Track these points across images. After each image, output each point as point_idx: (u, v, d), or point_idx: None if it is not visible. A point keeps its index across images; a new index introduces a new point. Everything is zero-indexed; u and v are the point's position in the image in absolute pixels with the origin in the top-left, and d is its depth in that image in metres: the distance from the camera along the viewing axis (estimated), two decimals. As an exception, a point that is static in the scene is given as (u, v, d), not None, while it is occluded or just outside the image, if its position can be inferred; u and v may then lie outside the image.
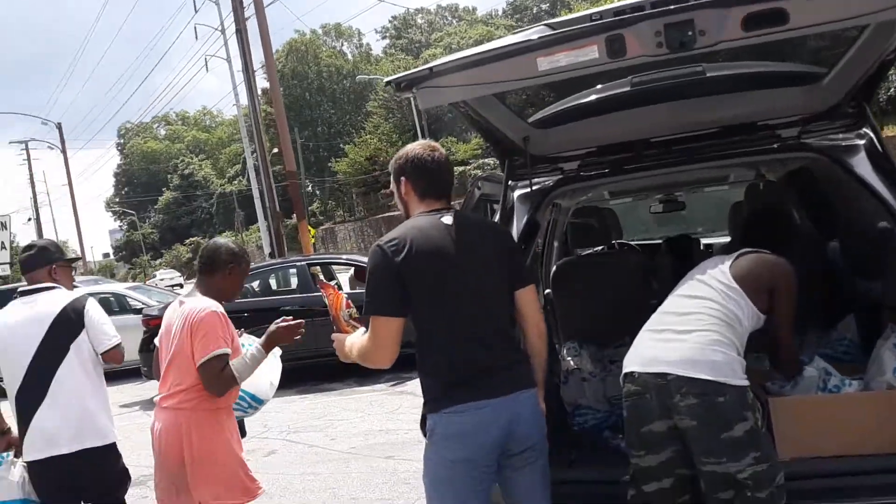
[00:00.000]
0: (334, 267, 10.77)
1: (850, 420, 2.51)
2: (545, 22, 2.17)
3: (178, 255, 67.45)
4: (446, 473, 2.23)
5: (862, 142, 2.90)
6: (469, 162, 35.02)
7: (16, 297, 3.38)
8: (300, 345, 8.71)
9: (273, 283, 10.47)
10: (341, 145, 49.37)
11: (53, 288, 3.34)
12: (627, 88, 2.91)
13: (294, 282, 10.21)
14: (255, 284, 9.99)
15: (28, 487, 3.23)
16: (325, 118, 58.54)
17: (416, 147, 2.39)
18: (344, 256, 11.75)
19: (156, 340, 3.20)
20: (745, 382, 2.30)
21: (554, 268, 3.96)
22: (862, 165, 2.78)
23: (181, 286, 29.44)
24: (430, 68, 2.11)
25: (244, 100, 27.28)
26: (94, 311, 3.33)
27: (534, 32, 2.07)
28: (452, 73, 2.13)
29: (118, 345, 3.33)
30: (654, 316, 2.52)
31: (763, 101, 3.05)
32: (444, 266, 2.23)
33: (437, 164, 2.35)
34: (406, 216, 2.38)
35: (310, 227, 20.38)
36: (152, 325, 9.33)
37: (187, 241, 67.32)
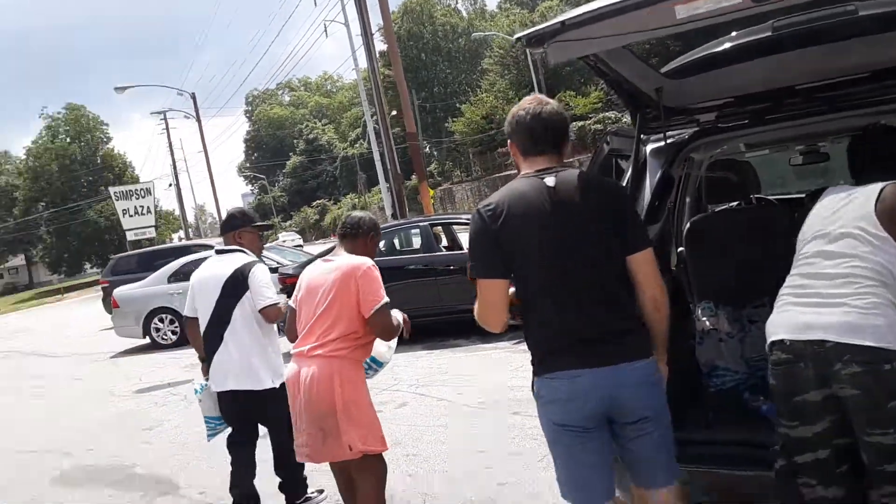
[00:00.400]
0: (455, 227, 10.94)
1: None
2: None
3: (306, 217, 70.43)
4: (552, 435, 2.27)
5: None
6: (589, 116, 34.18)
7: (213, 255, 4.12)
8: (425, 302, 9.00)
9: (397, 242, 10.77)
10: (457, 105, 49.41)
11: (237, 251, 3.97)
12: (769, 33, 2.78)
13: (417, 242, 10.46)
14: (381, 244, 10.33)
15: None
16: (441, 78, 58.64)
17: (519, 105, 2.35)
18: (464, 216, 11.89)
19: (290, 301, 3.49)
20: None
21: (687, 224, 3.85)
22: None
23: (301, 247, 31.15)
24: (562, 22, 2.09)
25: (362, 63, 27.99)
26: (257, 273, 3.90)
27: None
28: (585, 26, 2.10)
29: (273, 304, 3.83)
30: (795, 278, 2.33)
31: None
32: (540, 231, 2.20)
33: (535, 120, 2.28)
34: None
35: (429, 188, 20.71)
36: (288, 283, 9.89)
37: (314, 203, 70.11)
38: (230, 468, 4.13)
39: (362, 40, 19.68)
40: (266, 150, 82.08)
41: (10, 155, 74.30)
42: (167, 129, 45.50)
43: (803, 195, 3.21)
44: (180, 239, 52.98)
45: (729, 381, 3.22)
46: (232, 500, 4.11)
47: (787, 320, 2.25)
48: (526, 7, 55.19)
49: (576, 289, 2.20)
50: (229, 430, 4.14)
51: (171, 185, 47.39)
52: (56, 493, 5.31)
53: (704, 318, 3.55)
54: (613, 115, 32.69)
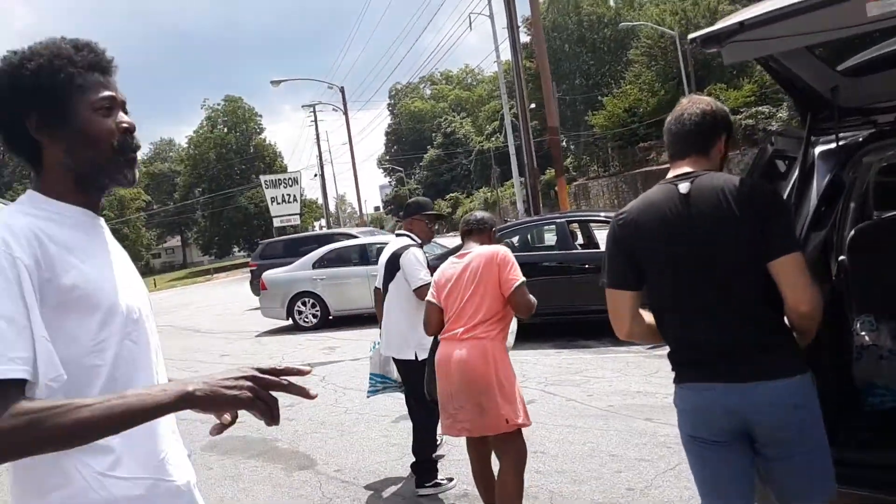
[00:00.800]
0: (592, 224, 10.72)
1: None
2: None
3: (439, 209, 71.60)
4: (686, 445, 2.24)
5: None
6: (740, 110, 32.42)
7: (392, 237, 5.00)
8: (558, 300, 8.92)
9: (531, 239, 10.71)
10: (599, 97, 48.42)
11: (405, 235, 4.62)
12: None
13: (552, 238, 10.35)
14: (515, 240, 10.32)
15: (387, 367, 4.73)
16: (584, 69, 57.66)
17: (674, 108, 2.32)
18: (602, 214, 11.65)
19: (427, 297, 3.82)
20: None
21: (852, 232, 3.57)
22: None
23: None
24: (741, 22, 1.98)
25: (504, 56, 28.01)
26: (409, 257, 4.41)
27: None
28: (766, 26, 1.99)
29: (424, 285, 4.24)
30: None
31: None
32: (668, 242, 2.13)
33: (679, 123, 2.24)
34: None
35: (565, 184, 20.44)
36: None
37: (447, 196, 71.21)
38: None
39: (507, 32, 19.69)
40: (405, 143, 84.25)
41: (174, 143, 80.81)
42: (315, 121, 47.66)
43: None
44: (321, 227, 55.56)
45: (888, 402, 2.97)
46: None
47: None
48: (677, -4, 53.15)
49: (705, 302, 2.11)
50: (390, 391, 4.84)
51: (315, 175, 49.64)
52: (206, 458, 5.72)
53: (864, 333, 3.30)
54: (767, 110, 30.88)
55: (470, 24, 31.63)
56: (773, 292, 2.06)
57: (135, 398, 1.20)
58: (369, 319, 12.48)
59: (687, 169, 2.21)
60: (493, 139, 62.42)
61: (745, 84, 34.13)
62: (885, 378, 3.11)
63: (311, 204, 61.05)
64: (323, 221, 54.19)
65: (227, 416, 1.42)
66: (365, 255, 13.11)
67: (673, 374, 2.25)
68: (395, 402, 6.29)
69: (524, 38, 36.10)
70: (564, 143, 51.22)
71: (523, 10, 22.49)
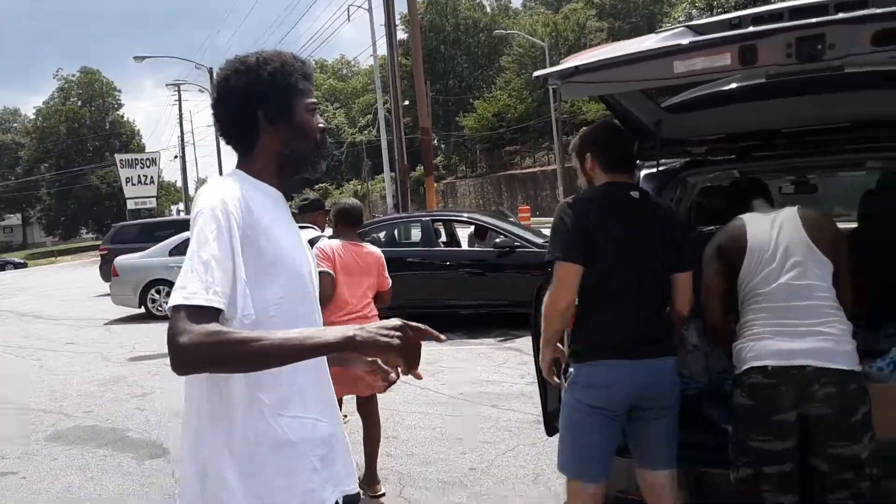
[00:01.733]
0: (455, 224, 11.15)
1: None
2: (687, 24, 2.34)
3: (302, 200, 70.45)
4: (581, 416, 2.56)
5: None
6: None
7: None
8: (419, 295, 9.22)
9: (397, 234, 10.97)
10: (471, 100, 49.59)
11: (308, 227, 4.96)
12: (762, 80, 3.01)
13: (417, 235, 10.69)
14: (382, 235, 10.56)
15: None
16: (458, 72, 58.75)
17: (598, 125, 2.75)
18: (465, 214, 12.14)
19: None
20: (860, 368, 2.46)
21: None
22: None
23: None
24: (577, 66, 2.33)
25: (381, 51, 28.18)
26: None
27: (674, 37, 2.26)
28: (595, 72, 2.36)
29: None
30: (768, 308, 2.55)
31: (898, 100, 3.07)
32: (624, 235, 2.52)
33: (622, 142, 2.68)
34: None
35: (433, 182, 20.94)
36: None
37: (317, 186, 70.18)
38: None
39: (385, 28, 19.87)
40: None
41: (20, 113, 74.21)
42: (179, 100, 45.61)
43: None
44: (178, 212, 53.15)
45: (691, 389, 3.45)
46: None
47: (771, 348, 2.50)
48: (551, 7, 55.34)
49: (637, 293, 2.54)
50: None
51: (176, 156, 47.57)
52: (51, 448, 5.54)
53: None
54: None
55: (349, 16, 31.58)
56: (668, 293, 2.64)
57: (307, 335, 1.45)
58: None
59: (627, 181, 2.65)
60: (365, 132, 62.24)
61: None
62: (690, 369, 3.63)
63: (170, 187, 58.32)
64: (182, 206, 51.91)
65: (394, 375, 1.67)
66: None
67: (575, 355, 2.59)
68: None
69: (401, 35, 36.39)
70: (435, 142, 52.03)
71: (402, 7, 22.77)
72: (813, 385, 2.40)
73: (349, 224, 4.25)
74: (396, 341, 1.45)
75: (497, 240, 9.32)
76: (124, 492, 4.56)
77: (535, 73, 2.43)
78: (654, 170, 3.32)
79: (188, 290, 1.42)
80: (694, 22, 2.39)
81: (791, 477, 2.48)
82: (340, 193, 65.99)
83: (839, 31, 2.03)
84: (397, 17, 24.27)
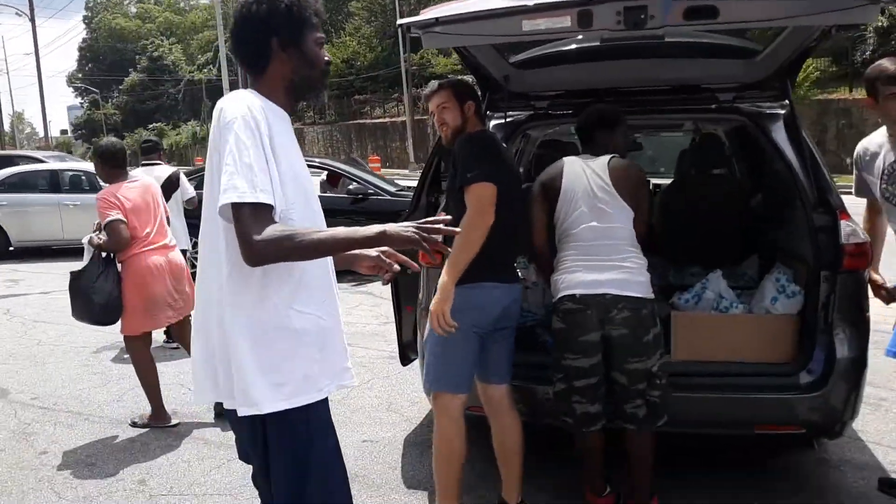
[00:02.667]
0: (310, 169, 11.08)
1: (732, 334, 3.19)
2: None
3: (140, 140, 65.94)
4: (458, 336, 2.76)
5: (782, 111, 3.46)
6: (447, 76, 34.83)
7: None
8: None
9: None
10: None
11: (157, 164, 6.34)
12: (598, 43, 3.40)
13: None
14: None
15: None
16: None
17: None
18: (317, 160, 12.07)
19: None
20: (653, 296, 2.94)
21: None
22: (778, 132, 3.35)
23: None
24: (437, 18, 2.56)
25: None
26: (182, 175, 6.39)
27: None
28: (453, 24, 2.59)
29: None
30: (578, 245, 2.95)
31: (708, 68, 3.59)
32: (511, 172, 2.90)
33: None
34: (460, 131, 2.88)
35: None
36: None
37: (150, 125, 65.81)
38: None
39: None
40: (103, 62, 75.41)
41: None
42: (-11, 22, 40.71)
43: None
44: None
45: (530, 320, 3.89)
46: None
47: (579, 279, 2.92)
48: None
49: (516, 223, 2.90)
50: None
51: (-13, 85, 42.62)
52: None
53: (518, 270, 4.23)
54: (471, 79, 33.53)
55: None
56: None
57: (350, 230, 1.74)
58: (58, 252, 11.57)
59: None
60: (205, 70, 58.99)
61: (452, 52, 36.67)
62: (529, 303, 4.06)
63: (-21, 119, 52.24)
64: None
65: (396, 267, 2.09)
66: (56, 182, 12.02)
67: (465, 276, 2.69)
68: (95, 333, 6.19)
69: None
70: (281, 86, 50.21)
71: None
72: (612, 310, 2.84)
73: (117, 165, 4.34)
74: (418, 235, 1.73)
75: (350, 186, 9.43)
76: (-38, 433, 4.39)
77: (399, 21, 2.62)
78: (502, 120, 3.63)
79: (240, 189, 1.67)
80: (541, -15, 2.69)
81: (597, 389, 2.94)
82: (177, 134, 62.39)
83: (657, 4, 2.40)
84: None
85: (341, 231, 1.74)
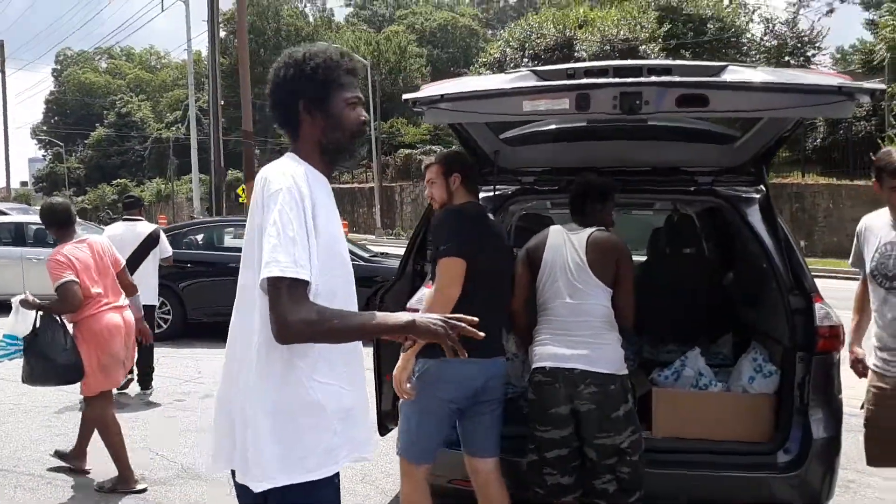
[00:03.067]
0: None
1: (711, 412, 3.25)
2: (532, 69, 2.77)
3: (103, 195, 65.12)
4: (434, 408, 2.85)
5: (758, 196, 3.62)
6: (417, 146, 35.48)
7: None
8: (224, 302, 8.99)
9: (216, 238, 10.65)
10: (289, 109, 48.72)
11: (137, 220, 6.69)
12: (584, 124, 3.55)
13: (240, 240, 10.42)
14: (200, 237, 10.27)
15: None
16: (277, 79, 57.52)
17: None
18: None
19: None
20: (626, 372, 2.98)
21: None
22: (754, 215, 3.49)
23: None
24: (442, 95, 2.67)
25: (196, 46, 26.99)
26: (162, 233, 6.36)
27: (522, 78, 2.67)
28: (457, 101, 2.70)
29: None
30: (552, 320, 3.02)
31: (688, 152, 3.76)
32: (492, 247, 2.95)
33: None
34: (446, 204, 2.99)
35: (244, 187, 20.41)
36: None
37: (114, 181, 65.11)
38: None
39: (207, 24, 19.20)
40: (70, 115, 75.06)
41: None
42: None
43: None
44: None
45: (510, 391, 3.89)
46: None
47: (550, 352, 2.98)
48: (373, 26, 56.08)
49: (502, 295, 2.98)
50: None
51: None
52: None
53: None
54: (439, 149, 34.08)
55: (162, 6, 30.01)
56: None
57: (381, 318, 1.75)
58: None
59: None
60: (173, 129, 58.98)
61: (422, 123, 37.44)
62: (510, 375, 4.07)
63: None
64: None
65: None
66: (20, 235, 11.77)
67: (427, 350, 2.71)
68: (56, 393, 5.99)
69: (220, 32, 35.05)
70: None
71: (224, 3, 22.11)
72: (579, 384, 2.89)
73: (62, 225, 4.32)
74: (443, 330, 1.74)
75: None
76: None
77: (405, 96, 2.71)
78: (491, 193, 3.72)
79: (283, 263, 1.66)
80: (539, 68, 2.82)
81: (568, 461, 2.97)
82: (141, 191, 61.72)
83: (652, 91, 2.53)
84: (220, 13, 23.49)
85: (372, 319, 1.75)
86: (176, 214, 43.93)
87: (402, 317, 1.76)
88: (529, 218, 5.03)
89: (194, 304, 9.21)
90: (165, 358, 8.14)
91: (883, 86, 2.61)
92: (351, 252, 9.24)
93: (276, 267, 1.65)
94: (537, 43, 28.82)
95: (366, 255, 9.62)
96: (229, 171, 35.06)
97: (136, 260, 6.06)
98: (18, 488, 4.29)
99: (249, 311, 1.81)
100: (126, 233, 6.33)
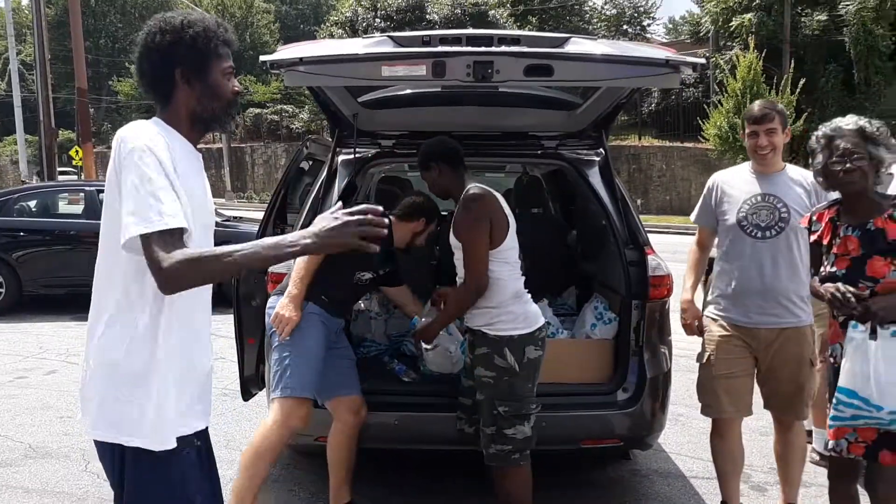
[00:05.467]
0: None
1: (559, 358, 3.52)
2: (390, 34, 2.83)
3: None
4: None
5: (598, 158, 3.92)
6: (267, 105, 34.30)
7: None
8: (77, 272, 8.53)
9: (51, 205, 9.86)
10: (126, 63, 45.49)
11: None
12: (439, 89, 3.67)
13: (72, 207, 9.65)
14: (33, 204, 9.51)
15: None
16: (111, 31, 53.24)
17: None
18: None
19: None
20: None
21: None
22: (594, 176, 3.78)
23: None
24: (301, 58, 2.67)
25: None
26: None
27: (380, 44, 2.73)
28: (316, 65, 2.72)
29: None
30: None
31: (535, 118, 3.99)
32: None
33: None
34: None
35: (78, 149, 19.01)
36: None
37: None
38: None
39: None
40: None
41: None
42: None
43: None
44: None
45: (373, 350, 4.03)
46: None
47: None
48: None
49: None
50: None
51: None
52: None
53: (360, 301, 4.36)
54: (290, 109, 33.22)
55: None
56: None
57: (275, 242, 1.67)
58: None
59: None
60: (-9, 85, 53.23)
61: (272, 81, 36.22)
62: (373, 333, 4.19)
63: None
64: None
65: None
66: None
67: None
68: None
69: (43, -22, 31.84)
70: (82, 105, 46.67)
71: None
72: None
73: None
74: (350, 236, 1.66)
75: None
76: None
77: (262, 58, 2.68)
78: (351, 157, 3.77)
79: (147, 219, 1.62)
80: (395, 34, 2.90)
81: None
82: (-45, 154, 55.49)
83: (503, 61, 2.69)
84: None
85: (266, 243, 1.66)
86: (1, 179, 39.98)
87: (302, 236, 1.67)
88: (389, 181, 5.15)
89: (30, 276, 8.60)
90: (2, 334, 7.59)
91: (703, 60, 2.91)
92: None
93: (141, 225, 1.62)
94: (389, 4, 28.63)
95: (218, 219, 9.30)
96: (60, 132, 32.32)
97: None
98: None
99: (109, 275, 1.77)
100: None
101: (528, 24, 30.37)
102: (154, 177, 1.66)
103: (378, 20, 28.34)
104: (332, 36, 29.05)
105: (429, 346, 3.42)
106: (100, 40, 52.07)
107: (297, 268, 3.08)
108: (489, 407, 2.91)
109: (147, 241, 1.62)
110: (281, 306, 3.06)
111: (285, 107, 33.59)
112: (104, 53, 51.31)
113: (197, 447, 1.85)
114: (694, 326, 3.37)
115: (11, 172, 39.81)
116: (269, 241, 1.68)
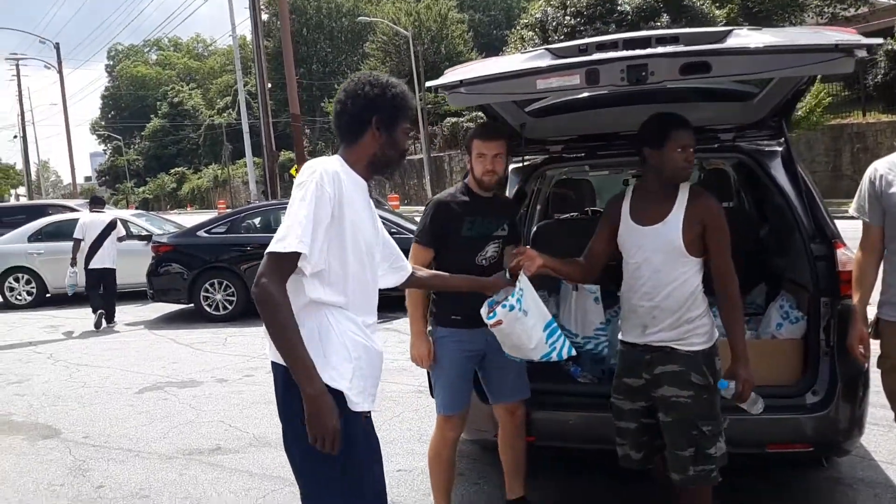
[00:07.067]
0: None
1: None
2: (547, 47, 2.89)
3: (163, 185, 67.12)
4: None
5: (780, 148, 3.72)
6: (463, 113, 35.45)
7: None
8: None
9: (273, 221, 11.02)
10: (335, 85, 49.29)
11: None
12: (605, 92, 3.69)
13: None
14: (257, 221, 10.70)
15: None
16: (321, 56, 58.06)
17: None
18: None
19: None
20: None
21: (534, 228, 4.79)
22: (777, 168, 3.60)
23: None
24: (461, 80, 2.87)
25: (239, 30, 27.48)
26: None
27: (538, 57, 2.82)
28: (475, 85, 2.90)
29: None
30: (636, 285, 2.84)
31: (708, 111, 3.86)
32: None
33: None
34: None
35: (296, 169, 20.91)
36: (161, 251, 10.10)
37: (172, 170, 67.03)
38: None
39: (249, 10, 19.58)
40: (125, 109, 77.39)
41: None
42: (18, 75, 42.17)
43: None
44: (17, 197, 48.98)
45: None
46: None
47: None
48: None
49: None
50: None
51: (16, 136, 43.98)
52: (-72, 436, 5.46)
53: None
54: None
55: (206, -6, 30.52)
56: None
57: (307, 366, 1.97)
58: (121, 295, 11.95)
59: None
60: (224, 114, 60.21)
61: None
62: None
63: (9, 170, 53.76)
64: (23, 189, 48.10)
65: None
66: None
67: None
68: (136, 375, 6.52)
69: (263, 15, 35.52)
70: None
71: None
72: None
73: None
74: (324, 429, 2.01)
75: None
76: (21, 470, 4.67)
77: (428, 84, 2.91)
78: (520, 164, 3.92)
79: (278, 241, 2.00)
80: (552, 46, 2.98)
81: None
82: (199, 178, 63.41)
83: (657, 62, 2.68)
84: (262, -1, 23.86)
85: (300, 357, 1.96)
86: (234, 199, 45.00)
87: (314, 387, 1.97)
88: (565, 183, 5.21)
89: (257, 285, 9.66)
90: (233, 338, 8.67)
91: (880, 40, 2.67)
92: (399, 226, 9.58)
93: (272, 244, 2.00)
94: (578, 0, 28.31)
95: (413, 227, 9.89)
96: (281, 153, 35.81)
97: (101, 238, 9.71)
98: (111, 461, 4.75)
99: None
100: (94, 220, 9.87)
101: (729, 3, 28.51)
102: (305, 207, 2.02)
103: (568, 17, 28.13)
104: (522, 39, 29.38)
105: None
106: (312, 66, 56.88)
107: (408, 308, 3.30)
108: (687, 428, 2.74)
109: (268, 257, 2.01)
110: (411, 346, 3.31)
111: (480, 114, 34.42)
112: (316, 77, 55.96)
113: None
114: (861, 351, 2.91)
115: (243, 192, 44.74)
116: (307, 359, 1.97)
